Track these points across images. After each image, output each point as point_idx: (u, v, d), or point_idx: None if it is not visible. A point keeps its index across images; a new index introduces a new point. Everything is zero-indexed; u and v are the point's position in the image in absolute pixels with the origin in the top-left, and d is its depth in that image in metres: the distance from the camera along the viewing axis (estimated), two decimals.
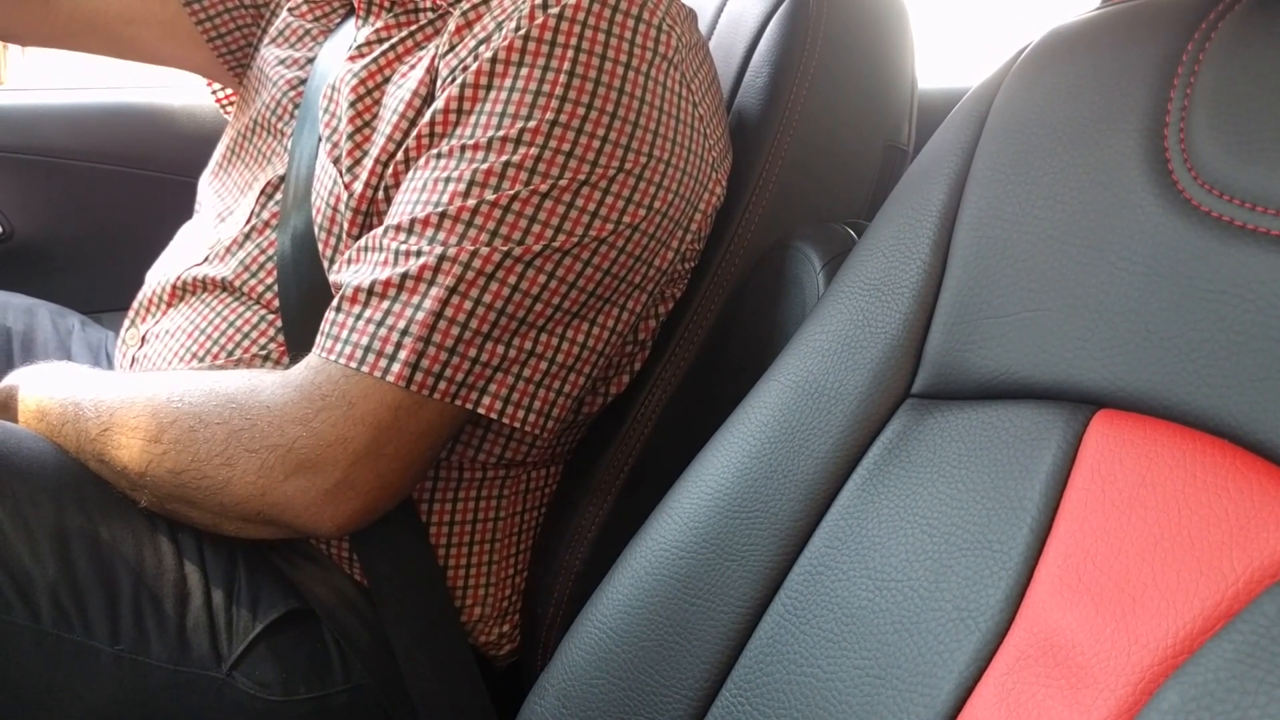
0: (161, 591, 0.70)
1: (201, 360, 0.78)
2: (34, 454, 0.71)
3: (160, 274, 0.88)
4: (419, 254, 0.67)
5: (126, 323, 0.89)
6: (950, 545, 0.47)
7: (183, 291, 0.84)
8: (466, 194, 0.67)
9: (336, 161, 0.75)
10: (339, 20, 0.89)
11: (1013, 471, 0.47)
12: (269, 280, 0.79)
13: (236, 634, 0.71)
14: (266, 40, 0.94)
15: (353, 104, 0.76)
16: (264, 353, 0.77)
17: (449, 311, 0.66)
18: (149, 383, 0.70)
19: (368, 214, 0.73)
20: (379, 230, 0.69)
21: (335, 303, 0.69)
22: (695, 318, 0.81)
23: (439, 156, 0.69)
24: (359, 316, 0.67)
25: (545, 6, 0.68)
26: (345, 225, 0.73)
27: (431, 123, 0.70)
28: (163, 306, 0.85)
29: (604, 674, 0.55)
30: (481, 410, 0.69)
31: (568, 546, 0.81)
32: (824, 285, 0.70)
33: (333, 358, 0.67)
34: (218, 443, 0.66)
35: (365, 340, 0.66)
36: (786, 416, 0.55)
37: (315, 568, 0.77)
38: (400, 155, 0.71)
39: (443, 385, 0.67)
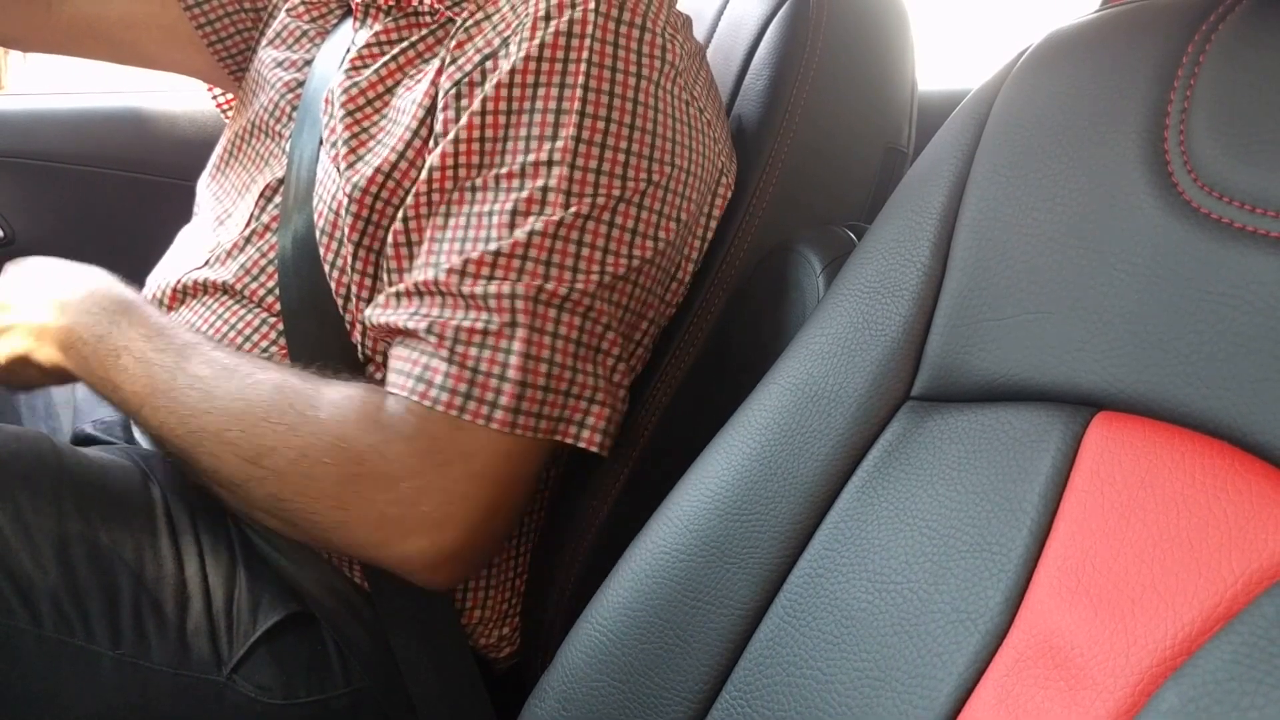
0: (162, 595, 0.70)
1: None
2: (35, 458, 0.71)
3: (161, 278, 0.88)
4: (488, 297, 0.66)
5: None
6: (950, 547, 0.47)
7: (183, 295, 0.84)
8: (512, 226, 0.67)
9: (339, 168, 0.75)
10: (336, 22, 0.90)
11: (1012, 473, 0.47)
12: (270, 284, 0.79)
13: (237, 637, 0.71)
14: (264, 42, 0.94)
15: (351, 113, 0.76)
16: (265, 355, 0.77)
17: (534, 350, 0.66)
18: (234, 389, 0.68)
19: (368, 220, 0.73)
20: (430, 274, 0.68)
21: (403, 344, 0.68)
22: (696, 321, 0.81)
23: (474, 189, 0.69)
24: (450, 361, 0.66)
25: (548, 18, 0.68)
26: (346, 230, 0.73)
27: (456, 153, 0.69)
28: (163, 310, 0.85)
29: (604, 676, 0.55)
30: (582, 444, 0.69)
31: (568, 549, 0.81)
32: (824, 288, 0.70)
33: (427, 403, 0.66)
34: (330, 483, 0.65)
35: (464, 388, 0.66)
36: (787, 419, 0.55)
37: (316, 571, 0.76)
38: (422, 176, 0.70)
39: (544, 424, 0.68)
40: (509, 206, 0.67)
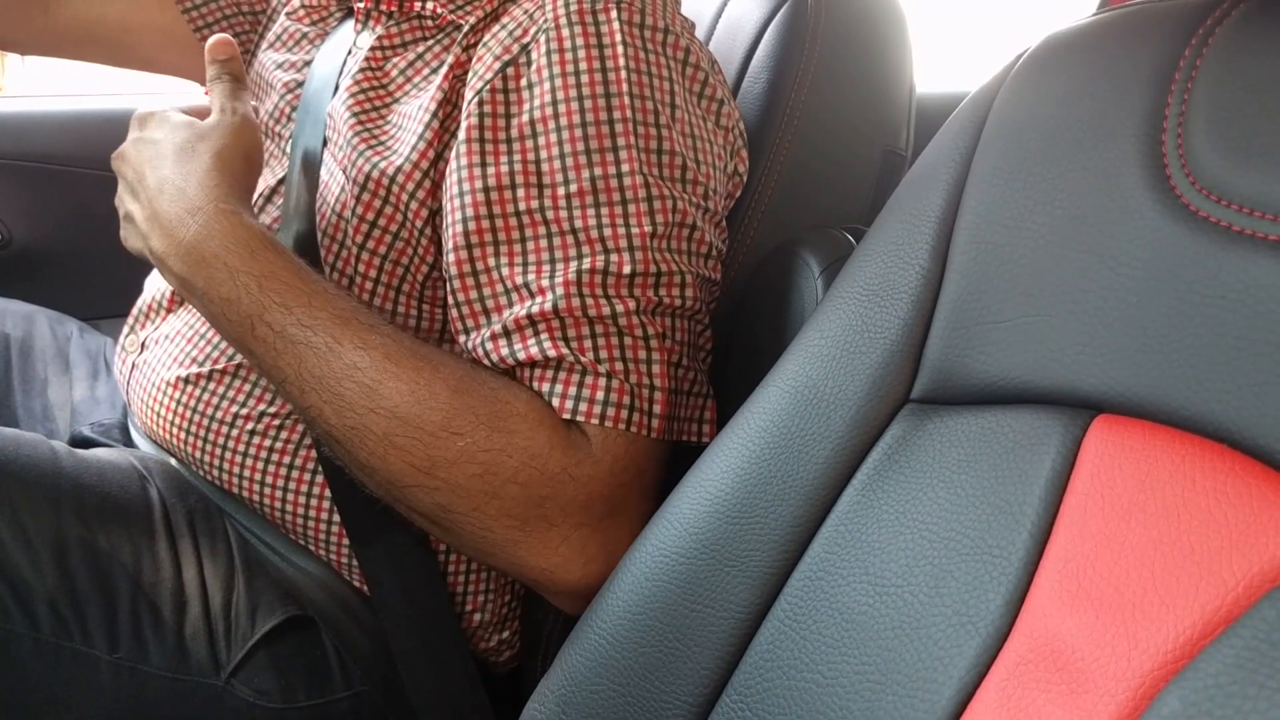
0: (160, 599, 0.70)
1: (201, 365, 0.78)
2: (32, 462, 0.71)
3: (159, 280, 0.88)
4: (616, 316, 0.66)
5: (126, 329, 0.89)
6: (950, 550, 0.47)
7: (182, 299, 0.84)
8: (604, 244, 0.66)
9: (345, 171, 0.74)
10: (336, 25, 0.90)
11: (1012, 476, 0.47)
12: None
13: (235, 641, 0.71)
14: (264, 45, 0.94)
15: (357, 115, 0.76)
16: None
17: (670, 356, 0.67)
18: (404, 390, 0.62)
19: (373, 223, 0.73)
20: (543, 306, 0.65)
21: (543, 367, 0.66)
22: None
23: (543, 210, 0.67)
24: (608, 376, 0.65)
25: (570, 24, 0.68)
26: (350, 232, 0.73)
27: (512, 173, 0.68)
28: (162, 312, 0.85)
29: (604, 680, 0.55)
30: (705, 439, 0.70)
31: None
32: (823, 290, 0.70)
33: (594, 421, 0.64)
34: (515, 503, 0.62)
35: (627, 400, 0.65)
36: (786, 422, 0.55)
37: (315, 574, 0.77)
38: (468, 201, 0.68)
39: (677, 426, 0.69)
40: (593, 223, 0.66)
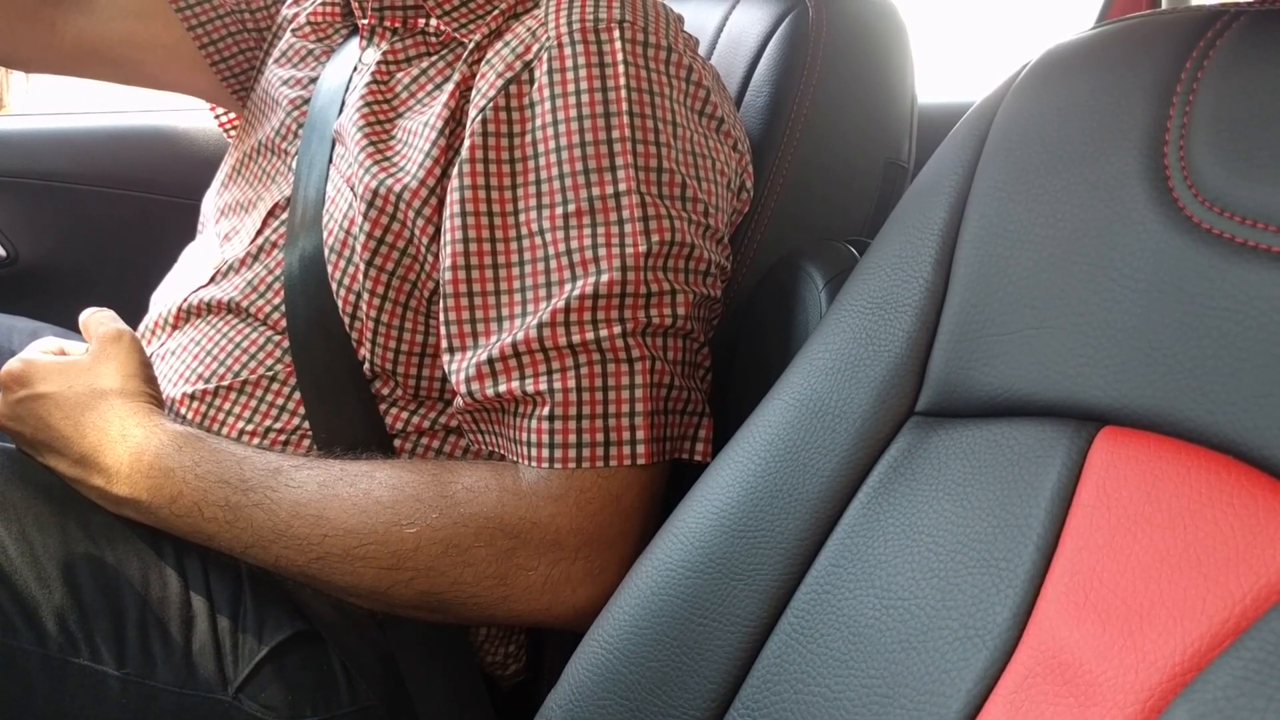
0: (167, 615, 0.70)
1: (207, 382, 0.78)
2: (40, 478, 0.71)
3: (165, 297, 0.88)
4: (600, 341, 0.66)
5: None
6: (956, 563, 0.47)
7: (188, 315, 0.84)
8: (597, 264, 0.66)
9: (353, 187, 0.75)
10: (341, 41, 0.90)
11: (1018, 489, 0.47)
12: (276, 300, 0.79)
13: (242, 657, 0.71)
14: (270, 61, 0.95)
15: (363, 129, 0.76)
16: (271, 374, 0.77)
17: (655, 378, 0.67)
18: (346, 506, 0.66)
19: (381, 239, 0.73)
20: (528, 332, 0.66)
21: (518, 413, 0.67)
22: None
23: (542, 232, 0.68)
24: (580, 417, 0.66)
25: (574, 43, 0.68)
26: (358, 248, 0.73)
27: (515, 197, 0.69)
28: (168, 329, 0.86)
29: (611, 695, 0.55)
30: (697, 457, 0.71)
31: None
32: (827, 303, 0.70)
33: (572, 466, 0.66)
34: (486, 564, 0.65)
35: (601, 437, 0.66)
36: (791, 435, 0.55)
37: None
38: (470, 222, 0.69)
39: (669, 446, 0.69)
40: (588, 243, 0.67)
